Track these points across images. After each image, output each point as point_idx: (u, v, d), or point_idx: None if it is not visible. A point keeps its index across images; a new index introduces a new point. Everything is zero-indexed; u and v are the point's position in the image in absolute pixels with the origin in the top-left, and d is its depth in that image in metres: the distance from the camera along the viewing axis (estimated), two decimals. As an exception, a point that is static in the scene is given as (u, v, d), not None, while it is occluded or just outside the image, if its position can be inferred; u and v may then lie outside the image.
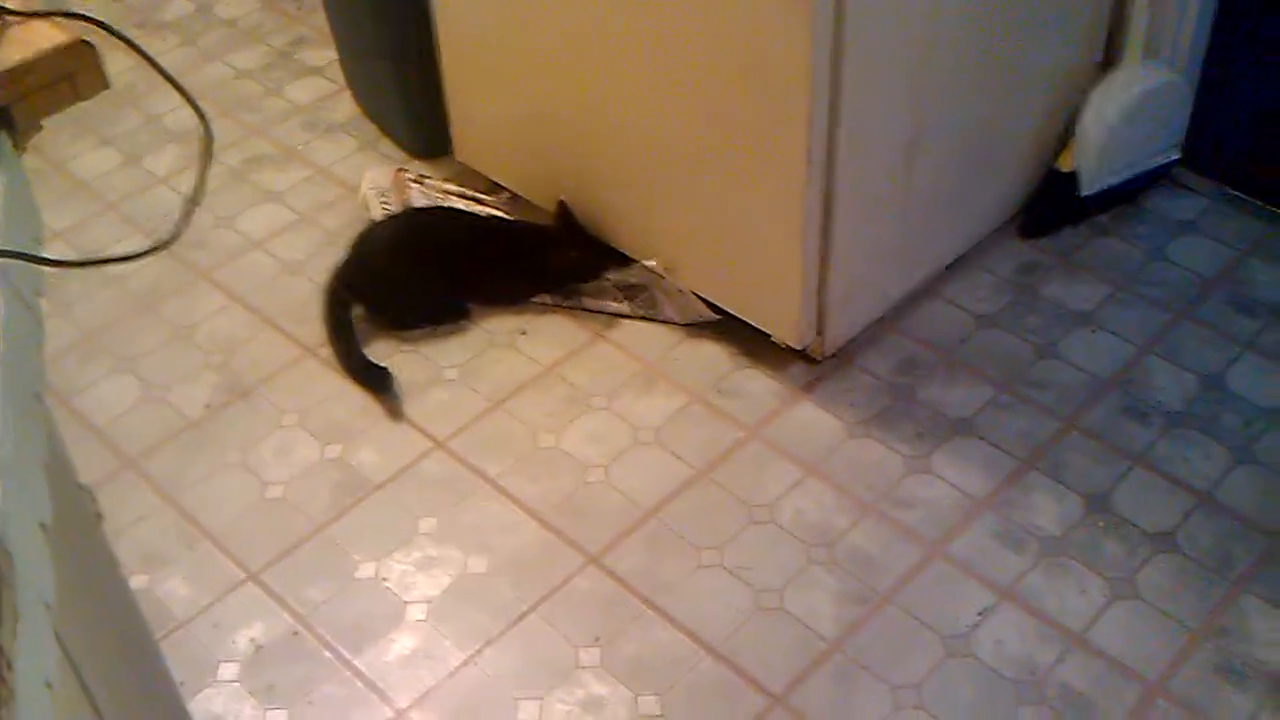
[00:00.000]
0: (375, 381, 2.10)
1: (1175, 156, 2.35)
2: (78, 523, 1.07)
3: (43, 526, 0.77)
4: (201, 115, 1.06)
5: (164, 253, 2.33)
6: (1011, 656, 1.70)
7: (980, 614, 1.75)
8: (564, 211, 2.21)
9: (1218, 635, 1.72)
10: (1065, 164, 2.28)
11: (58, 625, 0.75)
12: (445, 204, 2.36)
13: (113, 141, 2.66)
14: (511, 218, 2.32)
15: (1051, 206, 2.31)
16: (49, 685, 0.68)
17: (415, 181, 2.41)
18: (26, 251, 0.90)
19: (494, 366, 2.12)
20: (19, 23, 0.99)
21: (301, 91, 2.77)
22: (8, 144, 0.97)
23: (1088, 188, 2.27)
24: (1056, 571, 1.80)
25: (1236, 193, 2.36)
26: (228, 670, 1.73)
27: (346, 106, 2.71)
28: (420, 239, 2.22)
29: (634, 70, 1.98)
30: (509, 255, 2.21)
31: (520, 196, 2.36)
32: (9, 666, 0.63)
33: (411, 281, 2.19)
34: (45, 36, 0.98)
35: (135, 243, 2.38)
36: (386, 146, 2.59)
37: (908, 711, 1.65)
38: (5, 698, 0.62)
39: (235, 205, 2.47)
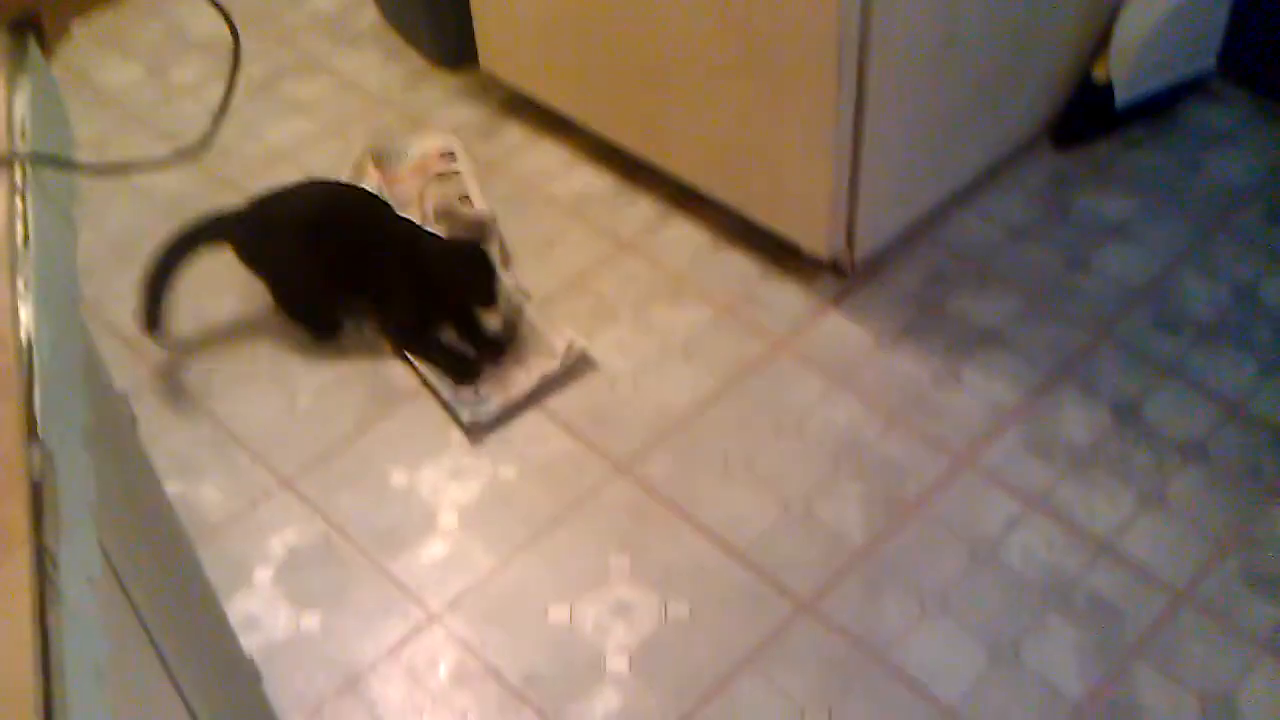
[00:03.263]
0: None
1: (1210, 66, 2.31)
2: (114, 428, 1.08)
3: (82, 430, 0.78)
4: (230, 22, 1.05)
5: (190, 165, 2.33)
6: (1039, 564, 1.71)
7: (1009, 523, 1.76)
8: (477, 228, 2.04)
9: (1246, 545, 1.72)
10: (1099, 74, 2.24)
11: (98, 528, 0.76)
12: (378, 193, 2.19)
13: (136, 53, 2.64)
14: (429, 230, 2.08)
15: (1085, 117, 2.28)
16: (90, 582, 0.69)
17: (378, 168, 2.28)
18: (61, 157, 0.90)
19: (520, 277, 2.12)
20: (46, -73, 0.98)
21: (324, 1, 2.74)
22: (36, 50, 0.97)
23: (1122, 98, 2.24)
24: (1085, 481, 1.80)
25: (1272, 103, 2.32)
26: (263, 574, 1.76)
27: (369, 15, 2.69)
28: (329, 230, 1.99)
29: (662, -24, 1.95)
30: (409, 271, 1.97)
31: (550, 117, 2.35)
32: (54, 565, 0.64)
33: (305, 275, 2.02)
34: (72, -59, 0.97)
35: (162, 154, 2.37)
36: (411, 56, 2.57)
37: (935, 618, 1.66)
38: (52, 596, 0.63)
39: (260, 116, 2.47)
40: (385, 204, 2.06)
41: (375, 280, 1.98)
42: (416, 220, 2.16)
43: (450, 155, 2.29)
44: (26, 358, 0.73)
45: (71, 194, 0.94)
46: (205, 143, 1.05)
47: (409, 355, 2.00)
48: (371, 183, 2.24)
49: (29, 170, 0.85)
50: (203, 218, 2.04)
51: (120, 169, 0.98)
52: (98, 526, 0.75)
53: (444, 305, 1.99)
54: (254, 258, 2.03)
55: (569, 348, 1.95)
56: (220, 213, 2.05)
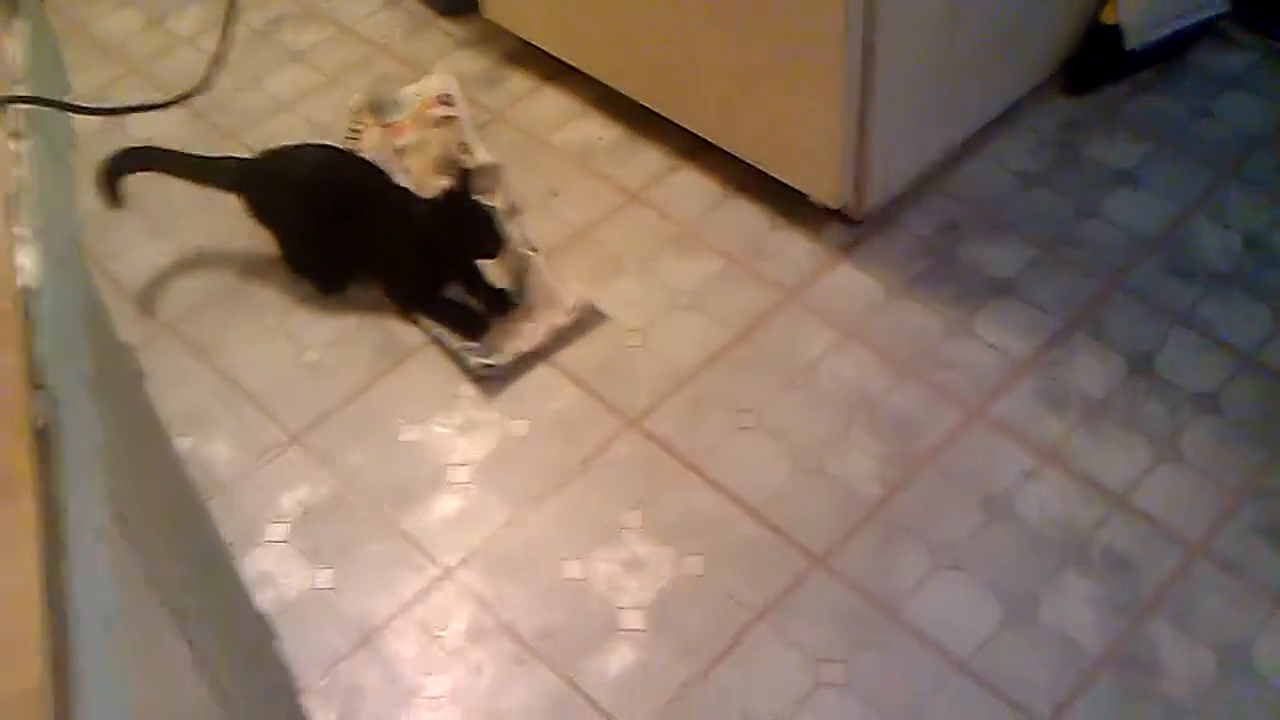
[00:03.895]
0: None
1: (1223, 9, 2.28)
2: (120, 379, 1.06)
3: (85, 376, 0.76)
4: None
5: (191, 115, 2.31)
6: (1053, 518, 1.69)
7: (1022, 476, 1.74)
8: (463, 179, 1.89)
9: (1259, 496, 1.71)
10: (1109, 17, 2.21)
11: (106, 478, 0.75)
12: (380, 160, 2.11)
13: (134, 2, 2.61)
14: (419, 194, 2.01)
15: (1096, 62, 2.25)
16: (100, 532, 0.68)
17: (377, 124, 2.23)
18: (56, 99, 0.87)
19: (527, 229, 2.09)
20: None
21: (324, -50, 2.70)
22: (32, -9, 0.94)
23: (1132, 42, 2.21)
24: (1099, 433, 1.78)
25: (1286, 47, 2.29)
26: (275, 531, 1.74)
27: (370, -37, 2.65)
28: (327, 195, 1.95)
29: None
30: (402, 235, 1.92)
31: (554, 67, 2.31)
32: (62, 512, 0.63)
33: (307, 233, 2.00)
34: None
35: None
36: (412, 4, 2.54)
37: (948, 572, 1.65)
38: (59, 543, 0.61)
39: (260, 66, 2.44)
40: (383, 174, 2.02)
41: (375, 250, 1.96)
42: (420, 169, 2.13)
43: (448, 99, 2.26)
44: (28, 303, 0.71)
45: (68, 137, 0.92)
46: (202, 86, 1.03)
47: (416, 316, 1.98)
48: (373, 135, 2.21)
49: (25, 112, 0.83)
50: (222, 157, 2.05)
51: (117, 111, 0.96)
52: (105, 475, 0.74)
53: (447, 265, 1.96)
54: (260, 211, 2.01)
55: (577, 302, 1.93)
56: (238, 159, 2.04)
